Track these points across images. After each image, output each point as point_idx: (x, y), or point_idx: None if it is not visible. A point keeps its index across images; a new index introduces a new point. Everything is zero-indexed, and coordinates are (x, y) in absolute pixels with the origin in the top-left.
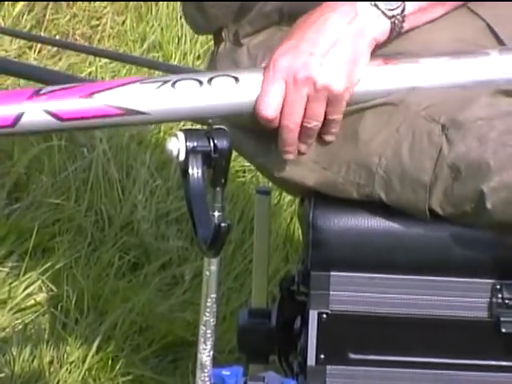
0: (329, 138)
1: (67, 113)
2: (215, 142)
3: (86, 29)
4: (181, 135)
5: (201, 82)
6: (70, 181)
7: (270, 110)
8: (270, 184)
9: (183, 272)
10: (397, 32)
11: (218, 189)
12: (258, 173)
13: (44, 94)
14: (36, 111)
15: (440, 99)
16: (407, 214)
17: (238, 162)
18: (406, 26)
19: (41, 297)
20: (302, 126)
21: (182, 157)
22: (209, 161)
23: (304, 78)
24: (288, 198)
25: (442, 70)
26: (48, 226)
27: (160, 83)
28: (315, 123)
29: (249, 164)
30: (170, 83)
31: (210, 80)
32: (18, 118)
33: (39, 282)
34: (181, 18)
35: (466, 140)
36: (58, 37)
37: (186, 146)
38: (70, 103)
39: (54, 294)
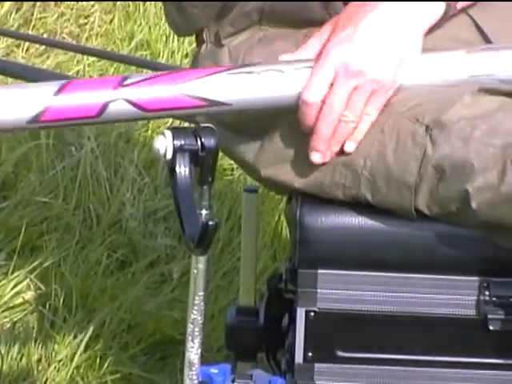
0: (350, 145)
1: (152, 103)
2: (202, 140)
3: (74, 27)
4: (168, 133)
5: (283, 72)
6: (58, 179)
7: (314, 94)
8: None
9: (171, 270)
10: (448, 16)
11: (205, 187)
12: None
13: (129, 84)
14: (121, 102)
15: (425, 99)
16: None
17: (226, 160)
18: (458, 7)
19: (29, 295)
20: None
21: (169, 155)
22: (196, 159)
23: (356, 70)
24: (276, 196)
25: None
26: (36, 224)
27: (245, 74)
28: (352, 119)
29: None
30: (256, 73)
31: (293, 70)
32: (104, 108)
33: (27, 280)
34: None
35: (449, 140)
36: (45, 35)
37: (174, 144)
38: (155, 94)
39: (42, 292)
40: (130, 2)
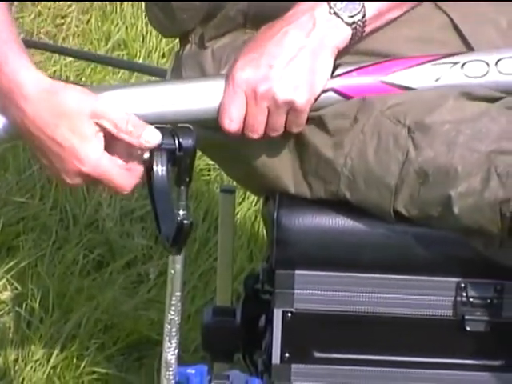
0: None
1: (361, 93)
2: (180, 140)
3: (51, 27)
4: None
5: (488, 64)
6: (35, 179)
7: (233, 124)
8: (235, 182)
9: (148, 270)
10: (358, 37)
11: (182, 187)
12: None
13: (337, 75)
14: (328, 93)
15: (405, 98)
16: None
17: (202, 161)
18: (367, 30)
19: (5, 295)
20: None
21: (146, 154)
22: (173, 159)
23: (264, 91)
24: (252, 196)
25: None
26: (12, 224)
27: (450, 65)
28: (277, 133)
29: (213, 162)
30: (459, 65)
31: (496, 62)
32: None
33: (4, 280)
34: (145, 17)
35: (433, 145)
36: (22, 35)
37: None
38: (364, 83)
39: (18, 292)
40: (107, 2)
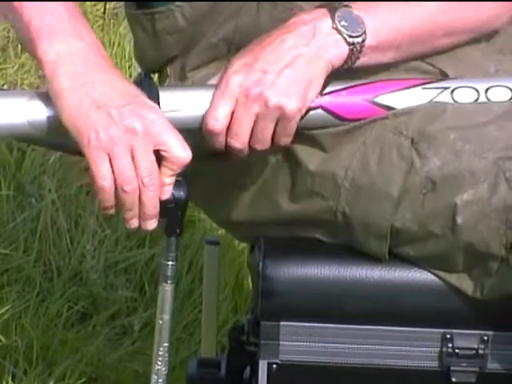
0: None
1: (349, 112)
2: (172, 192)
3: (34, 78)
4: None
5: (478, 91)
6: (19, 231)
7: (217, 124)
8: (220, 231)
9: (132, 322)
10: (352, 62)
11: (172, 238)
12: (207, 223)
13: (327, 93)
14: (317, 110)
15: (402, 110)
16: (363, 255)
17: (188, 212)
18: (361, 58)
19: None
20: (249, 147)
21: None
22: (164, 211)
23: (256, 95)
24: (237, 247)
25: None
26: None
27: (441, 89)
28: (261, 146)
29: (198, 214)
30: (450, 90)
31: (486, 90)
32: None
33: None
34: (129, 60)
35: (439, 154)
36: (6, 86)
37: None
38: (352, 103)
39: (2, 344)
40: None
